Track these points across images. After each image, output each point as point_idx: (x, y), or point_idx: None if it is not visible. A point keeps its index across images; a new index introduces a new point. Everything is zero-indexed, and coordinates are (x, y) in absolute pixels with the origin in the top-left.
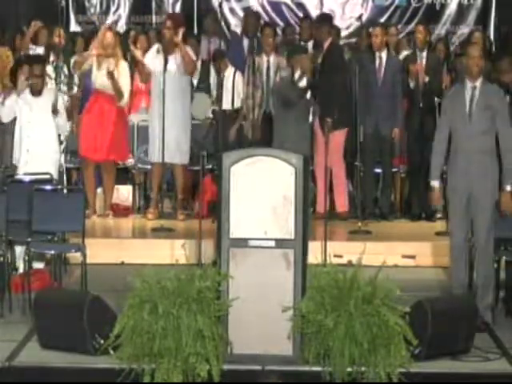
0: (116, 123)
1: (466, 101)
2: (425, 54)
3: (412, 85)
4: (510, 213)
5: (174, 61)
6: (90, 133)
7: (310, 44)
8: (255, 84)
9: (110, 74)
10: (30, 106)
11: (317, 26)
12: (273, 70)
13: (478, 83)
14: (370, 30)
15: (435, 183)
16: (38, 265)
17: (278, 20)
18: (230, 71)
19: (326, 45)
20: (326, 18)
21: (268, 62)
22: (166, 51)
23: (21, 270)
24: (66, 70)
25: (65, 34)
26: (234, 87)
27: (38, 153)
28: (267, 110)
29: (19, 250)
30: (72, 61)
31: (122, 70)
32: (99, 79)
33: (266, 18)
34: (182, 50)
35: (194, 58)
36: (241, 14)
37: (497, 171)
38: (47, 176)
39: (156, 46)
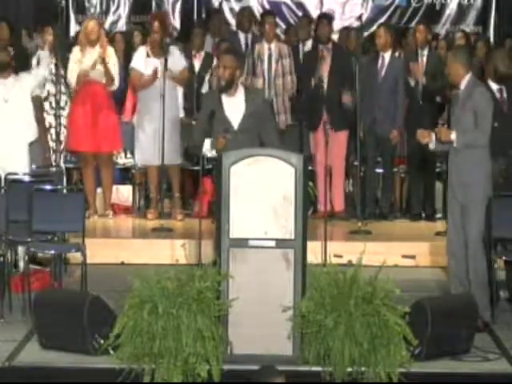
0: (106, 113)
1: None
2: (426, 52)
3: (412, 83)
4: (444, 137)
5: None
6: (79, 124)
7: (309, 43)
8: (255, 73)
9: (102, 60)
10: (5, 86)
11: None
12: (274, 58)
13: (462, 85)
14: (374, 29)
15: None
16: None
17: (278, 20)
18: None
19: (330, 45)
20: (327, 17)
21: (269, 49)
22: (155, 54)
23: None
24: (61, 70)
25: (57, 31)
26: None
27: (12, 137)
28: (268, 99)
29: (21, 249)
30: (74, 75)
31: (110, 55)
32: (85, 67)
33: None
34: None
35: (182, 65)
36: None
37: (486, 165)
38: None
39: (143, 49)
